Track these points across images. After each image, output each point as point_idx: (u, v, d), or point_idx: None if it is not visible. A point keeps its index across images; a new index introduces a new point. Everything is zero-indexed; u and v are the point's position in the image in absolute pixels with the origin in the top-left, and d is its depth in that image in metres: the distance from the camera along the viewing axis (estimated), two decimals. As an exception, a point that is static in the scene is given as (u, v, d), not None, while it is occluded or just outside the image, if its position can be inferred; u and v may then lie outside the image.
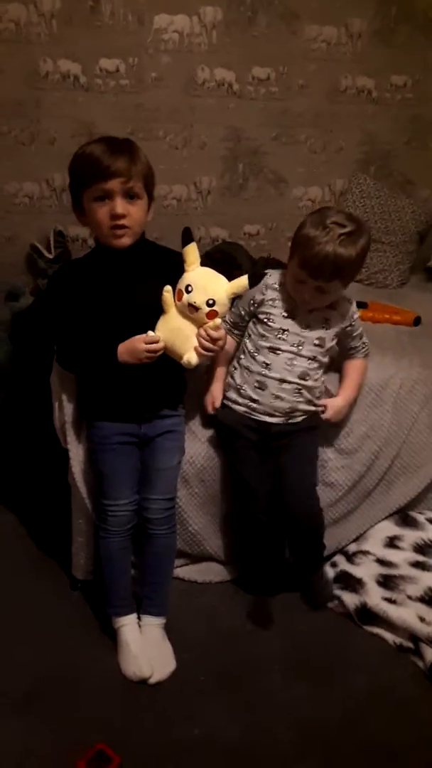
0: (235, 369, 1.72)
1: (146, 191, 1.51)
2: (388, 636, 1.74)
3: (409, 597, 1.76)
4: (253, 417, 1.68)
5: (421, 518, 1.97)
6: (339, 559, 1.93)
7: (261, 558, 1.77)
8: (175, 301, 1.53)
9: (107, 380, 1.60)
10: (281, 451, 1.72)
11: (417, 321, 2.22)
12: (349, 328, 1.70)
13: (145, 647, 1.64)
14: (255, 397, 1.67)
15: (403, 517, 1.99)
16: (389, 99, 2.66)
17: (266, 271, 1.67)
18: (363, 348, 1.77)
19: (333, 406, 1.75)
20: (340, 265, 1.51)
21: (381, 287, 2.63)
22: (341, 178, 2.73)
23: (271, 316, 1.65)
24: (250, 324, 1.71)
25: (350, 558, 1.92)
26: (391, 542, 1.93)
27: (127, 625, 1.67)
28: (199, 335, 1.51)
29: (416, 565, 1.85)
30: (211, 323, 1.51)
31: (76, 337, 1.56)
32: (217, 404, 1.75)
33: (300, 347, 1.65)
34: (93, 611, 1.79)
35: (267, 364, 1.65)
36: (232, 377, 1.73)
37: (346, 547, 1.96)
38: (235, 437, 1.72)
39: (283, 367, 1.65)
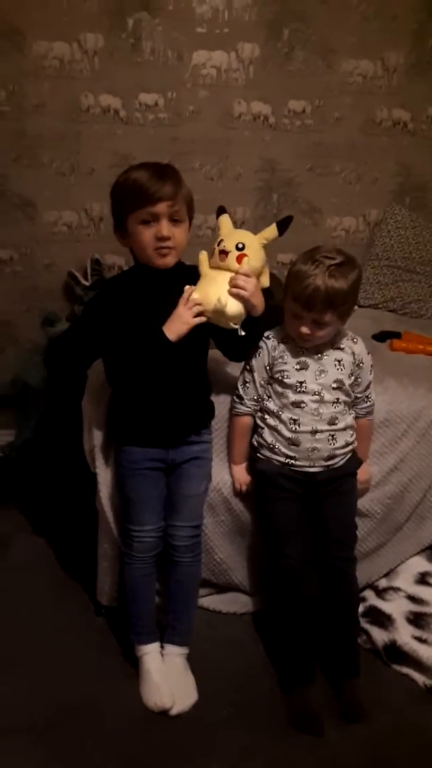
0: (263, 429, 1.70)
1: (188, 216, 1.55)
2: (418, 676, 1.68)
3: (440, 636, 1.70)
4: (294, 468, 1.67)
5: (454, 555, 1.92)
6: (368, 594, 1.88)
7: (294, 622, 1.65)
8: (209, 261, 1.57)
9: (136, 402, 1.61)
10: (324, 497, 1.69)
11: (452, 352, 2.18)
12: (356, 368, 1.67)
13: (168, 677, 1.62)
14: (291, 453, 1.65)
15: (436, 553, 1.94)
16: (425, 131, 2.67)
17: (266, 333, 1.69)
18: (368, 404, 1.73)
19: (365, 473, 1.78)
20: (331, 295, 1.53)
21: (416, 317, 2.60)
22: (376, 209, 2.73)
23: (285, 372, 1.65)
24: (267, 386, 1.70)
25: (380, 593, 1.87)
26: (423, 579, 1.88)
27: (150, 653, 1.65)
28: (231, 279, 1.52)
29: (448, 603, 1.80)
30: (240, 265, 1.52)
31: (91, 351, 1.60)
32: (244, 487, 1.77)
33: (321, 395, 1.64)
34: (116, 638, 1.78)
35: (295, 420, 1.64)
36: (262, 437, 1.70)
37: (376, 582, 1.91)
38: (274, 487, 1.68)
39: (311, 418, 1.63)
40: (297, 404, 1.64)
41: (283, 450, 1.66)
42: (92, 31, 2.36)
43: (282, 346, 1.67)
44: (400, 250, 2.63)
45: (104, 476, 1.76)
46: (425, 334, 2.33)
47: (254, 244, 1.55)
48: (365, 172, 2.68)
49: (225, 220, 1.61)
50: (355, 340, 1.70)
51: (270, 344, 1.68)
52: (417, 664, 1.68)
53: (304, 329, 1.59)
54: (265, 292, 1.62)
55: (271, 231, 1.56)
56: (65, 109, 2.42)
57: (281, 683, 1.66)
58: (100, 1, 2.32)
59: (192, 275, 1.58)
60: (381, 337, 2.28)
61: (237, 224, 2.64)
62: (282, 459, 1.67)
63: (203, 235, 2.62)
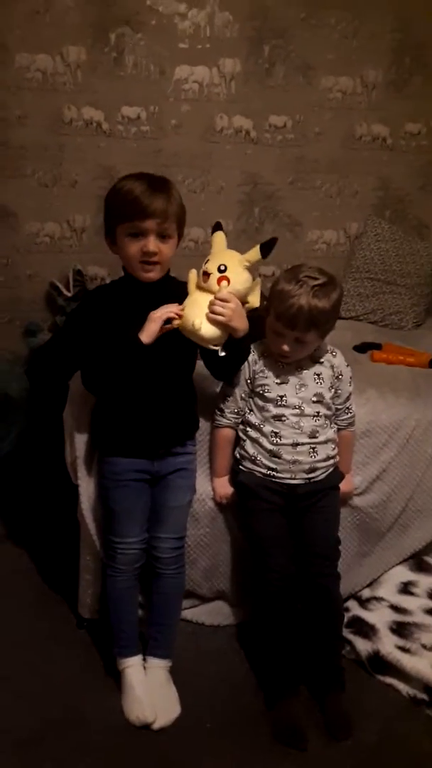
0: (245, 441, 1.71)
1: (177, 231, 1.55)
2: (402, 687, 1.67)
3: (424, 646, 1.70)
4: (276, 480, 1.67)
5: (436, 564, 1.93)
6: (352, 604, 1.88)
7: (278, 635, 1.63)
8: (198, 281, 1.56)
9: (122, 413, 1.60)
10: (306, 511, 1.68)
11: (432, 363, 2.21)
12: (336, 381, 1.69)
13: (150, 690, 1.60)
14: (272, 465, 1.66)
15: (418, 562, 1.95)
16: (404, 146, 2.72)
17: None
18: (348, 415, 1.74)
19: (348, 485, 1.79)
20: (314, 315, 1.54)
21: (396, 329, 2.64)
22: (356, 222, 2.77)
23: (266, 387, 1.66)
24: (249, 399, 1.71)
25: (363, 604, 1.87)
26: (405, 588, 1.89)
27: (132, 666, 1.63)
28: (210, 302, 1.50)
29: (431, 612, 1.80)
30: (220, 288, 1.50)
31: (76, 357, 1.57)
32: (225, 500, 1.76)
33: (302, 408, 1.65)
34: (98, 651, 1.76)
35: (276, 433, 1.64)
36: (244, 449, 1.71)
37: (359, 592, 1.91)
38: (256, 499, 1.68)
39: (291, 431, 1.64)
40: (278, 417, 1.65)
41: (265, 462, 1.66)
42: (75, 44, 2.37)
43: (262, 361, 1.68)
44: (380, 263, 2.66)
45: (86, 488, 1.74)
46: (405, 345, 2.35)
47: (236, 266, 1.51)
48: (346, 186, 2.73)
49: (218, 238, 1.57)
50: (334, 353, 1.71)
51: (251, 358, 1.68)
52: (401, 674, 1.68)
53: (286, 347, 1.60)
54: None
55: (254, 253, 1.51)
56: (48, 121, 2.43)
57: (265, 697, 1.65)
58: (83, 15, 2.35)
59: (179, 290, 1.57)
60: (362, 348, 2.30)
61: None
62: (263, 471, 1.67)
63: (185, 247, 2.63)
